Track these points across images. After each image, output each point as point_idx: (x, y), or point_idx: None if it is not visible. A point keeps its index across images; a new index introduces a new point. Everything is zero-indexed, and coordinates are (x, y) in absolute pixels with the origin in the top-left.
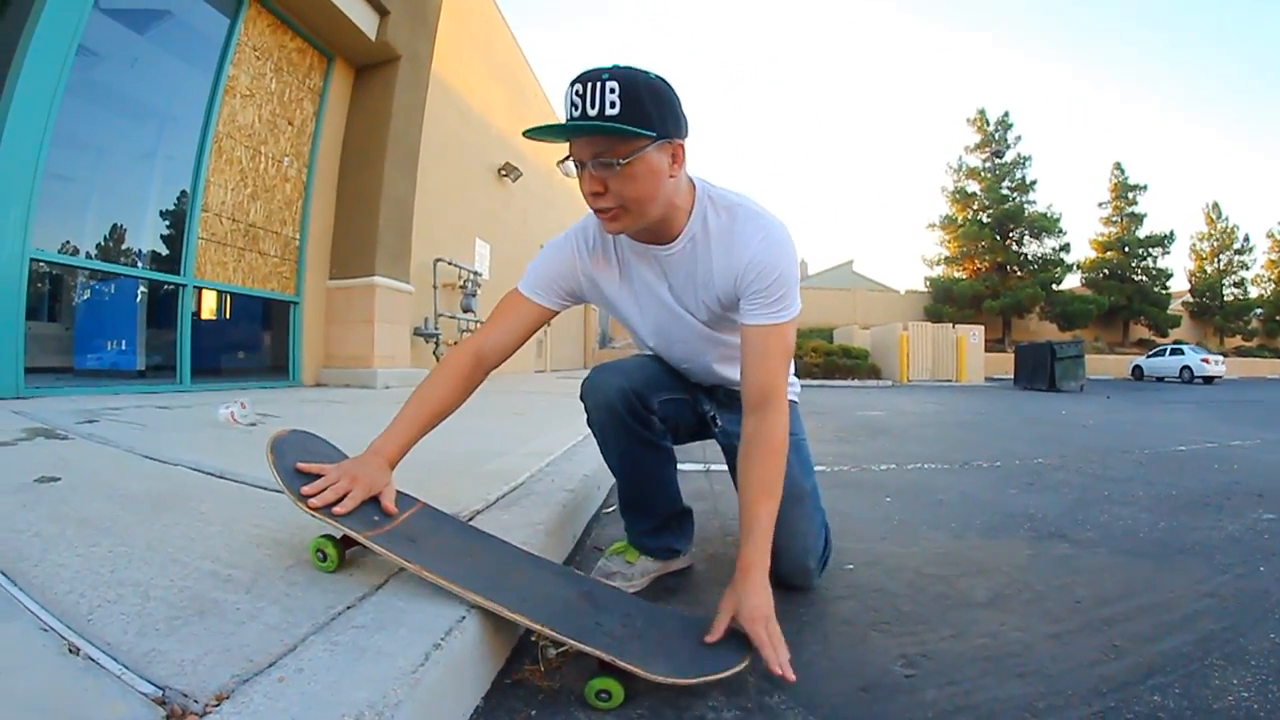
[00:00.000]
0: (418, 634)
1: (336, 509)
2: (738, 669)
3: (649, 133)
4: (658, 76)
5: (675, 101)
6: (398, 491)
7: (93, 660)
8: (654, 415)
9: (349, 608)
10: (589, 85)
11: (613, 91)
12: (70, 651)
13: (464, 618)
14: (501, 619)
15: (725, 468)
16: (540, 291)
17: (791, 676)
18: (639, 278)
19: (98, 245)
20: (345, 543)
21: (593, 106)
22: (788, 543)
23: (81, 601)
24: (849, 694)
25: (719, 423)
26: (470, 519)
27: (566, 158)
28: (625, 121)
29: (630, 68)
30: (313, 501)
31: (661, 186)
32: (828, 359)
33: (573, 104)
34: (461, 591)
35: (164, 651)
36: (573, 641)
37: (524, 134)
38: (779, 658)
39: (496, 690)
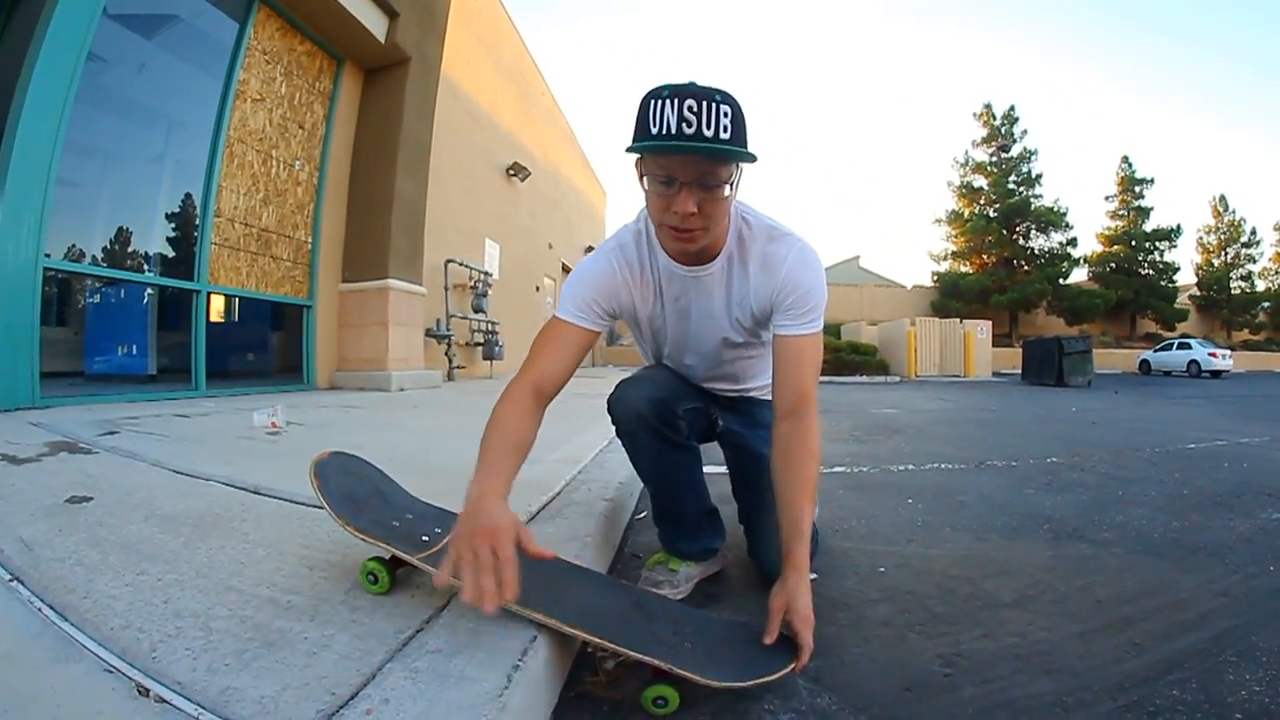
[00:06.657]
0: (496, 655)
1: (508, 594)
2: (786, 671)
3: (753, 158)
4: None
5: None
6: (448, 511)
7: (166, 702)
8: (680, 420)
9: (419, 631)
10: (704, 104)
11: (725, 115)
12: (140, 693)
13: (535, 637)
14: (565, 634)
15: None
16: (583, 314)
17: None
18: (671, 297)
19: (110, 251)
20: (395, 564)
21: (708, 127)
22: (773, 531)
23: (141, 637)
24: (894, 694)
25: (720, 424)
26: None
27: (668, 179)
28: (736, 146)
29: (723, 90)
30: (487, 606)
31: (731, 207)
32: (836, 355)
33: (685, 120)
34: (524, 612)
35: (239, 689)
36: (631, 653)
37: (630, 149)
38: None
39: (563, 703)
